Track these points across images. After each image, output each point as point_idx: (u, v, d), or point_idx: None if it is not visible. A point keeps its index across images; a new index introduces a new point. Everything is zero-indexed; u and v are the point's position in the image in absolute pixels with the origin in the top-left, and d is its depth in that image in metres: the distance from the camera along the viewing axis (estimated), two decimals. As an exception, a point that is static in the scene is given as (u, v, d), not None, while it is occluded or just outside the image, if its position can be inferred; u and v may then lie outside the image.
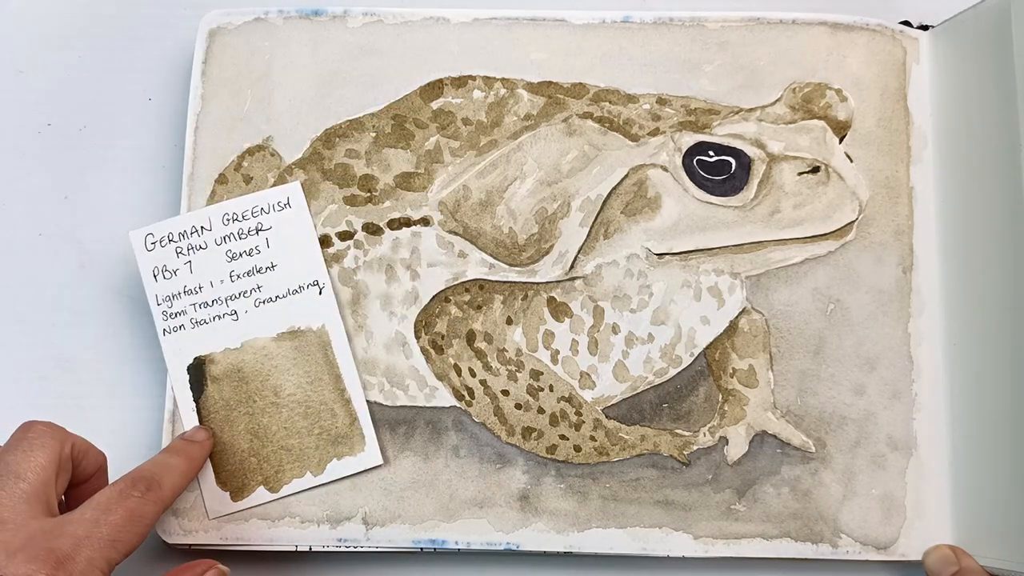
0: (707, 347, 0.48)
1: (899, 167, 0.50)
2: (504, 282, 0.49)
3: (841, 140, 0.49)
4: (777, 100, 0.50)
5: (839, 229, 0.48)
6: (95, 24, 0.56)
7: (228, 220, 0.48)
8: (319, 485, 0.47)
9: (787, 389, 0.48)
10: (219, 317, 0.48)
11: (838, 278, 0.49)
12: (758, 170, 0.48)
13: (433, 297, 0.49)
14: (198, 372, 0.48)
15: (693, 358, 0.48)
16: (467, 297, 0.49)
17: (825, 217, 0.48)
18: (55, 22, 0.56)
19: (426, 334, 0.48)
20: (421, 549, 0.47)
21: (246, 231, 0.48)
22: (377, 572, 0.48)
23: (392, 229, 0.49)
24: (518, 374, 0.48)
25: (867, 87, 0.50)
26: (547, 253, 0.48)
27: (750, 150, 0.48)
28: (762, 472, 0.47)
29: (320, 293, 0.48)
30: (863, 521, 0.47)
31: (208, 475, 0.47)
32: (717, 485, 0.47)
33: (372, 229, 0.49)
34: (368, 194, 0.50)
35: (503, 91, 0.50)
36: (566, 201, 0.49)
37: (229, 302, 0.48)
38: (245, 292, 0.48)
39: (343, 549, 0.47)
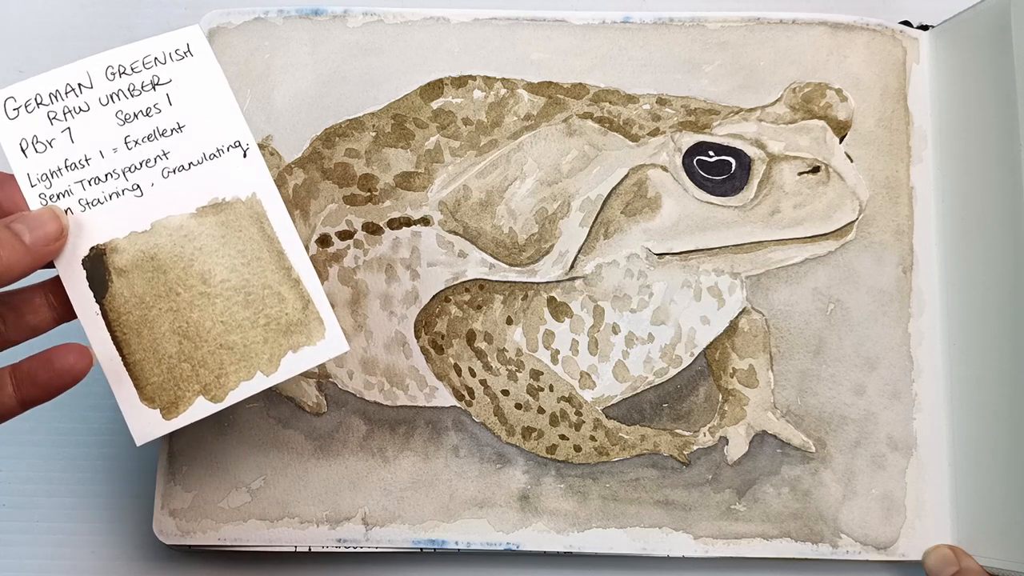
0: (707, 347, 0.48)
1: (899, 167, 0.50)
2: (504, 282, 0.49)
3: (841, 140, 0.49)
4: (777, 100, 0.50)
5: (839, 229, 0.48)
6: (95, 24, 0.55)
7: (114, 74, 0.39)
8: (274, 385, 0.40)
9: (787, 389, 0.48)
10: (117, 194, 0.39)
11: (838, 278, 0.49)
12: (758, 170, 0.48)
13: (433, 297, 0.49)
14: (97, 265, 0.39)
15: (693, 358, 0.48)
16: (467, 297, 0.48)
17: (825, 217, 0.48)
18: (55, 22, 0.56)
19: (426, 334, 0.48)
20: (421, 549, 0.47)
21: (138, 86, 0.39)
22: (377, 572, 0.48)
23: (392, 229, 0.49)
24: (518, 374, 0.48)
25: (867, 87, 0.50)
26: (547, 253, 0.48)
27: (750, 150, 0.48)
28: (762, 472, 0.47)
29: (245, 156, 0.40)
30: (863, 521, 0.47)
31: (128, 392, 0.39)
32: (717, 485, 0.47)
33: (372, 229, 0.49)
34: (368, 193, 0.49)
35: (503, 91, 0.50)
36: (566, 201, 0.49)
37: (128, 175, 0.39)
38: (148, 161, 0.39)
39: (343, 549, 0.47)
